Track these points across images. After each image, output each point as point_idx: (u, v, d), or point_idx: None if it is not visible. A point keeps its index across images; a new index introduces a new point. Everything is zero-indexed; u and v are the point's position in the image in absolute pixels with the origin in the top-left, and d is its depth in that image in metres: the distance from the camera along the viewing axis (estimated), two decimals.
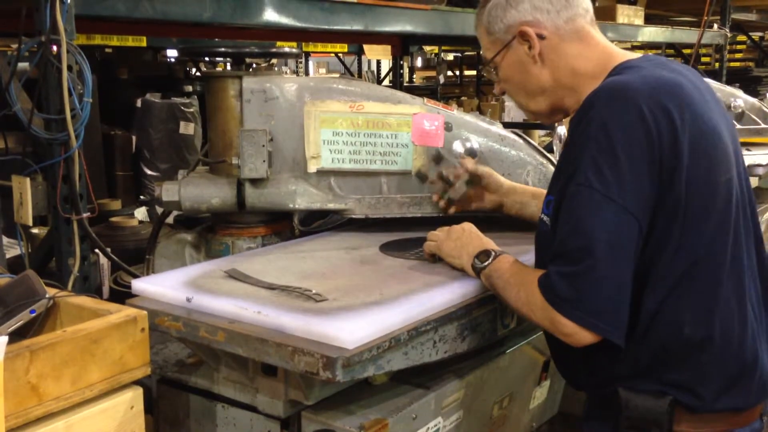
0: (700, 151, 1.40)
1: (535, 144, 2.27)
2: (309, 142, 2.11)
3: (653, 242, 1.39)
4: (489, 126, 2.22)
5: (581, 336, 1.37)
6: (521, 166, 2.18)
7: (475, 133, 2.17)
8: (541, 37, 1.57)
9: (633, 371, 1.46)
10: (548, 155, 2.22)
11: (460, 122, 2.17)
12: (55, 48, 1.96)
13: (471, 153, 2.13)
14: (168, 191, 2.09)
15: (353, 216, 2.14)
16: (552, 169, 2.15)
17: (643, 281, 1.41)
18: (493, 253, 1.64)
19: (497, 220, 2.11)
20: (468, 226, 1.80)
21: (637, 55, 1.59)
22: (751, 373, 1.48)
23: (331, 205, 2.13)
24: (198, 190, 2.09)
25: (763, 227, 3.06)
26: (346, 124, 2.12)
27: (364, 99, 2.14)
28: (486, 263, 1.63)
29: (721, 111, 1.55)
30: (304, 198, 2.11)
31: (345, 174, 2.15)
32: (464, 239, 1.75)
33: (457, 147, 2.13)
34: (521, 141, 2.23)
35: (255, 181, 2.06)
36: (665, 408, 1.42)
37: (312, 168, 2.12)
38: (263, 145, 2.01)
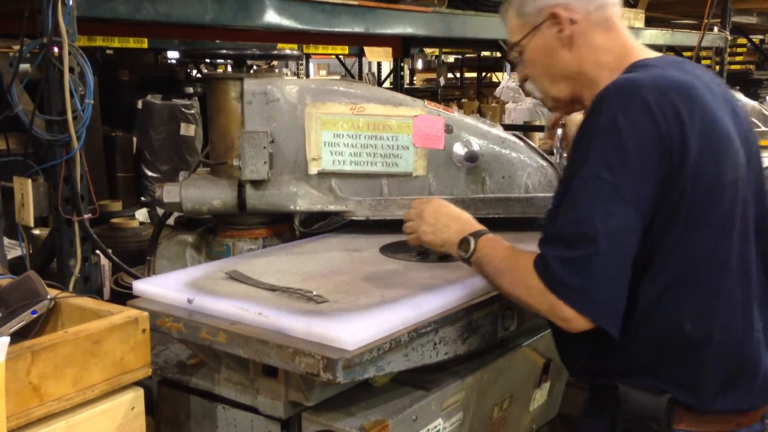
0: (707, 152, 1.41)
1: (536, 146, 2.27)
2: (310, 143, 2.12)
3: (653, 236, 1.40)
4: (489, 128, 2.22)
5: (579, 322, 1.38)
6: (521, 169, 2.19)
7: (475, 136, 2.18)
8: (572, 21, 1.57)
9: (631, 366, 1.46)
10: (549, 158, 2.22)
11: (460, 124, 2.18)
12: (56, 50, 1.96)
13: (472, 156, 2.14)
14: (169, 193, 2.09)
15: (354, 218, 2.15)
16: (552, 171, 2.16)
17: (641, 275, 1.42)
18: (472, 241, 1.63)
19: (491, 221, 2.08)
20: (437, 206, 1.77)
21: (655, 54, 1.59)
22: (753, 376, 1.47)
23: (332, 207, 2.13)
24: (199, 192, 2.10)
25: None
26: (347, 126, 2.12)
27: (365, 101, 2.14)
28: (470, 252, 1.62)
29: (736, 115, 1.54)
30: (305, 200, 2.11)
31: (346, 176, 2.15)
32: (440, 225, 1.73)
33: (458, 149, 2.14)
34: (522, 143, 2.23)
35: (256, 183, 2.06)
36: (664, 406, 1.43)
37: (313, 170, 2.13)
38: (264, 147, 2.01)
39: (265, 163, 2.02)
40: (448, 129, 2.13)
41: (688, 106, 1.41)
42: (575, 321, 1.38)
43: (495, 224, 2.04)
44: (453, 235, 1.69)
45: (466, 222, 1.71)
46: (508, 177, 2.14)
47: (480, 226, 1.70)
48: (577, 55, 1.59)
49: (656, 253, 1.41)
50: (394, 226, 2.13)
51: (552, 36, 1.59)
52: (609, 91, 1.44)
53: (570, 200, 1.41)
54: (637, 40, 1.62)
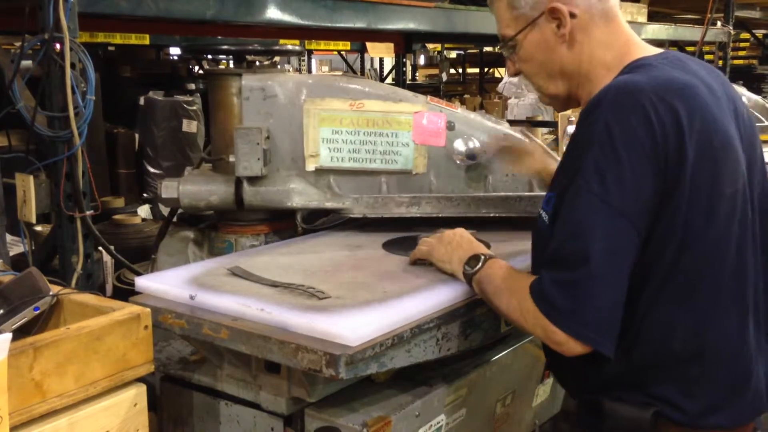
0: (706, 160, 1.34)
1: (541, 143, 2.24)
2: (308, 140, 2.10)
3: (650, 251, 1.34)
4: (494, 125, 2.19)
5: (572, 346, 1.33)
6: None
7: (478, 132, 2.15)
8: (572, 15, 1.47)
9: (619, 381, 1.41)
10: (554, 155, 2.18)
11: (463, 120, 2.15)
12: (58, 46, 1.96)
13: (472, 153, 2.10)
14: (167, 188, 2.10)
15: (351, 215, 2.13)
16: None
17: (637, 290, 1.36)
18: (482, 258, 1.60)
19: (492, 220, 2.09)
20: (460, 231, 1.75)
21: (656, 50, 1.51)
22: (742, 393, 1.43)
23: (329, 204, 2.11)
24: (196, 188, 2.09)
25: None
26: (346, 123, 2.10)
27: (364, 97, 2.11)
28: (476, 268, 1.59)
29: (738, 116, 1.46)
30: (302, 196, 2.09)
31: (344, 173, 2.14)
32: (455, 244, 1.71)
33: (459, 146, 2.10)
34: (527, 141, 2.20)
35: (253, 179, 2.05)
36: (648, 419, 1.37)
37: (310, 166, 2.11)
38: (258, 143, 1.99)
39: (258, 159, 2.00)
40: (450, 126, 2.11)
41: (688, 112, 1.33)
42: (568, 344, 1.33)
43: (490, 224, 2.04)
44: (464, 252, 1.66)
45: (482, 248, 1.69)
46: (511, 175, 2.13)
47: (491, 253, 1.66)
48: (577, 52, 1.50)
49: (651, 269, 1.35)
50: (397, 222, 2.14)
51: (550, 31, 1.49)
52: (603, 96, 1.36)
53: (564, 217, 1.36)
54: (636, 35, 1.54)
